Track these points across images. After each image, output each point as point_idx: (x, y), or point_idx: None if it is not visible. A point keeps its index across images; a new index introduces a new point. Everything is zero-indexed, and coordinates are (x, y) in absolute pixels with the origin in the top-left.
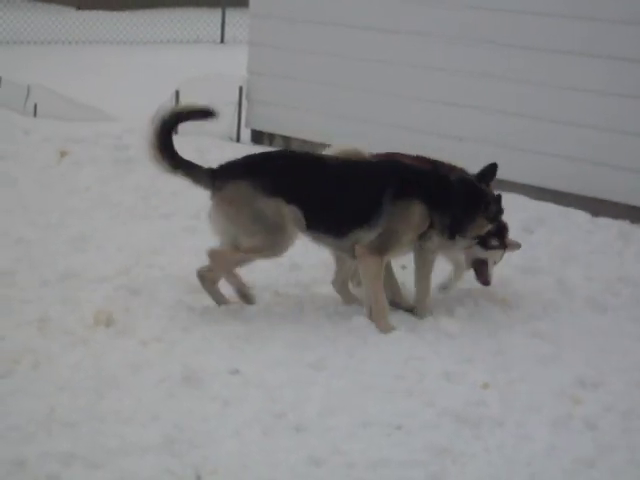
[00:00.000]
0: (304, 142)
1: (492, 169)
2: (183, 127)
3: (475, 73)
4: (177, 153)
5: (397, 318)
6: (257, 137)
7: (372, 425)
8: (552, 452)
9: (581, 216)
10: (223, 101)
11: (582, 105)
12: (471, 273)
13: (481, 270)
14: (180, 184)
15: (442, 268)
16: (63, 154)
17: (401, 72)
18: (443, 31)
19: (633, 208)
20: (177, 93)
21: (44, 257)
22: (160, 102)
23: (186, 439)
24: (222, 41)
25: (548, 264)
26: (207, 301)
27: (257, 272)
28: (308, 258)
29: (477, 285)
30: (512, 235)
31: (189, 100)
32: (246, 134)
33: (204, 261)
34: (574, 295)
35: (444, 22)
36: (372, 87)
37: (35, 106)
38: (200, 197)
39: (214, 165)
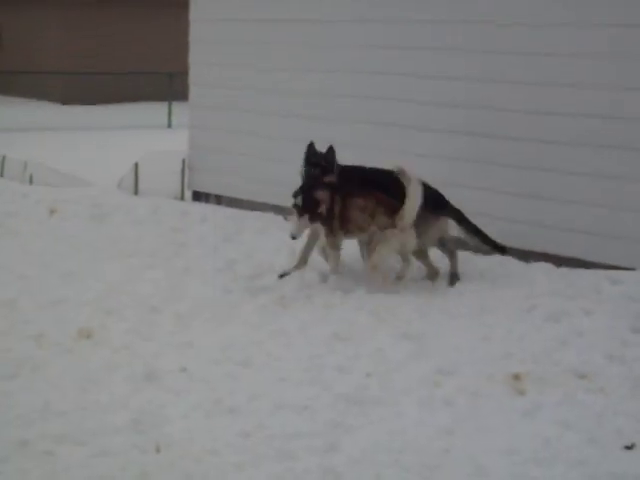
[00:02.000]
0: (231, 199)
1: None
2: (143, 188)
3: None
4: None
5: (298, 327)
6: (196, 196)
7: (286, 407)
8: (420, 424)
9: None
10: (171, 170)
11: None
12: None
13: None
14: (140, 232)
15: None
16: (53, 211)
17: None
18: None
19: None
20: (136, 165)
21: (40, 288)
22: (124, 172)
23: (148, 421)
24: (169, 126)
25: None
26: (162, 319)
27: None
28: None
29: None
30: None
31: (145, 171)
32: (188, 194)
33: (160, 288)
34: (433, 305)
35: (348, 109)
36: (277, 156)
37: (31, 176)
38: (155, 241)
39: (166, 220)
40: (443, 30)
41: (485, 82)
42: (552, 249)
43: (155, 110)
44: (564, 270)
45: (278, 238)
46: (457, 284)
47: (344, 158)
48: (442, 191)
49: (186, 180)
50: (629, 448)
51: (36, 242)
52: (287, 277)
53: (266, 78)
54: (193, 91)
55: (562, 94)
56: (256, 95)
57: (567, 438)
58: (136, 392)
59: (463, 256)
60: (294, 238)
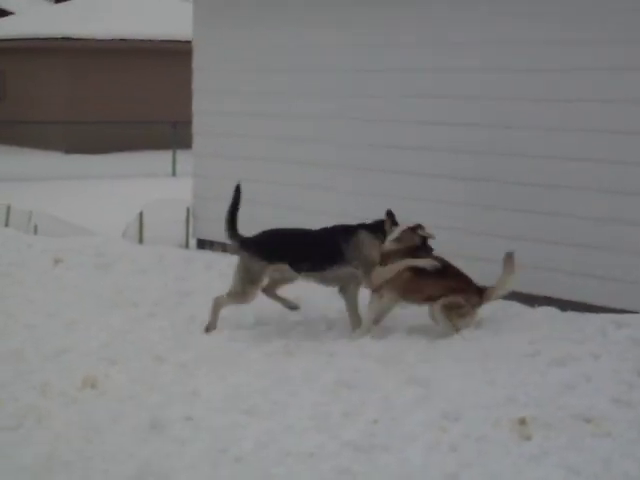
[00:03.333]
0: None
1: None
2: (147, 237)
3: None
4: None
5: (303, 374)
6: (201, 244)
7: (293, 455)
8: (426, 469)
9: None
10: (175, 218)
11: None
12: None
13: None
14: (144, 281)
15: None
16: (57, 261)
17: (302, 192)
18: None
19: None
20: (141, 214)
21: (45, 337)
22: (128, 220)
23: (154, 472)
24: (174, 174)
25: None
26: (166, 368)
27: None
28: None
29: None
30: None
31: (149, 219)
32: (193, 242)
33: (165, 338)
34: (437, 350)
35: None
36: (282, 203)
37: (35, 226)
38: (160, 290)
39: (171, 268)
40: (440, 78)
41: (484, 127)
42: (557, 293)
43: (159, 159)
44: (569, 314)
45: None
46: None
47: (348, 203)
48: (441, 236)
49: (191, 228)
50: None
51: (41, 292)
52: (291, 325)
53: (267, 126)
54: (196, 140)
55: (566, 138)
56: (259, 143)
57: None
58: (141, 442)
59: None
60: None
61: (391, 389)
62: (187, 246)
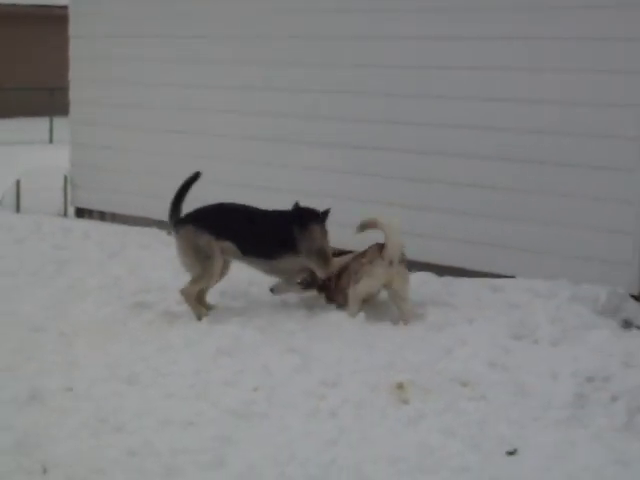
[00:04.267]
0: (115, 215)
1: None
2: (25, 205)
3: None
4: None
5: (184, 343)
6: (80, 212)
7: (173, 423)
8: (306, 436)
9: None
10: (53, 187)
11: None
12: None
13: None
14: (22, 250)
15: None
16: None
17: (178, 160)
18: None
19: None
20: (18, 182)
21: None
22: (4, 189)
23: (33, 442)
24: (51, 142)
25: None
26: (46, 338)
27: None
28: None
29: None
30: None
31: (26, 187)
32: (71, 210)
33: (43, 307)
34: (315, 317)
35: (220, 122)
36: (158, 171)
37: None
38: (38, 259)
39: (49, 237)
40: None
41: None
42: (433, 259)
43: (37, 126)
44: (445, 279)
45: (162, 253)
46: None
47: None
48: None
49: (69, 196)
50: (511, 454)
51: None
52: (172, 292)
53: (143, 94)
54: (74, 107)
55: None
56: (135, 111)
57: (450, 445)
58: (20, 413)
59: None
60: None
61: (271, 357)
62: (65, 215)
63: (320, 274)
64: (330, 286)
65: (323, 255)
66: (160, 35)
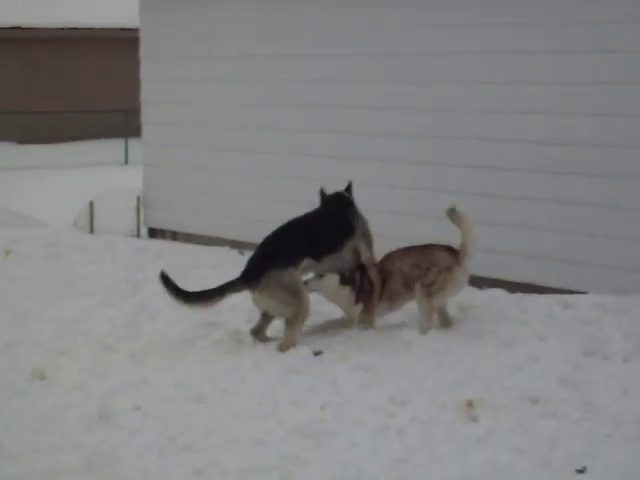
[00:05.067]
0: (187, 235)
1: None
2: (98, 226)
3: None
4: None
5: (253, 362)
6: (152, 233)
7: (240, 442)
8: (374, 454)
9: None
10: (126, 207)
11: None
12: None
13: None
14: (95, 271)
15: None
16: (7, 252)
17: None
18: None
19: None
20: (91, 203)
21: None
22: (79, 210)
23: (101, 461)
24: (126, 163)
25: None
26: (116, 357)
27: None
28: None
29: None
30: None
31: (100, 209)
32: (144, 231)
33: (115, 327)
34: (384, 333)
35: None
36: (229, 191)
37: None
38: (111, 279)
39: (122, 258)
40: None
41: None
42: (504, 275)
43: (112, 147)
44: (516, 296)
45: (234, 272)
46: (406, 316)
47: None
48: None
49: (142, 217)
50: (581, 472)
51: None
52: (241, 313)
53: (214, 114)
54: (146, 129)
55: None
56: (206, 131)
57: (520, 464)
58: (89, 432)
59: None
60: None
61: (339, 375)
62: (138, 235)
63: (365, 255)
64: (371, 290)
65: (369, 234)
66: (229, 56)
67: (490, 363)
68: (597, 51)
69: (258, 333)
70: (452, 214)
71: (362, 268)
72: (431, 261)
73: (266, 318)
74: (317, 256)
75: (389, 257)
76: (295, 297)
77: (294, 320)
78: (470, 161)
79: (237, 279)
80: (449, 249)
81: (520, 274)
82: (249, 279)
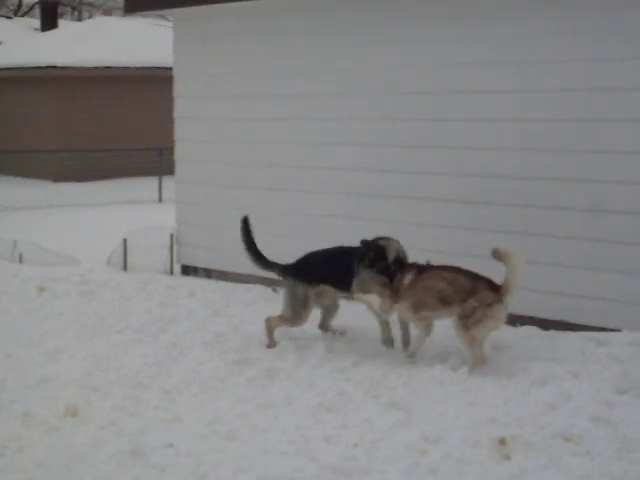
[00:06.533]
0: (220, 272)
1: None
2: (132, 264)
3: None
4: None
5: (285, 399)
6: (185, 270)
7: (272, 479)
8: None
9: None
10: (159, 245)
11: None
12: None
13: None
14: (128, 308)
15: None
16: (42, 289)
17: (283, 218)
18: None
19: None
20: (125, 241)
21: (27, 367)
22: (112, 248)
23: None
24: (160, 200)
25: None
26: (148, 394)
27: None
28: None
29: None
30: None
31: (134, 246)
32: (177, 268)
33: (147, 364)
34: (417, 370)
35: (328, 180)
36: (262, 229)
37: (20, 255)
38: (143, 316)
39: (154, 295)
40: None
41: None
42: (538, 312)
43: (147, 185)
44: (550, 333)
45: (267, 310)
46: (441, 351)
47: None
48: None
49: (175, 254)
50: None
51: (24, 321)
52: (275, 349)
53: (245, 152)
54: (178, 166)
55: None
56: (238, 169)
57: None
58: (122, 469)
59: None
60: None
61: (372, 412)
62: (171, 272)
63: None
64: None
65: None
66: (262, 94)
67: (523, 401)
68: None
69: (323, 327)
70: (497, 252)
71: (401, 263)
72: (472, 291)
73: (326, 312)
74: (339, 287)
75: (435, 266)
76: (291, 309)
77: (283, 319)
78: (506, 200)
79: (281, 266)
80: (492, 284)
81: (553, 311)
82: (281, 268)
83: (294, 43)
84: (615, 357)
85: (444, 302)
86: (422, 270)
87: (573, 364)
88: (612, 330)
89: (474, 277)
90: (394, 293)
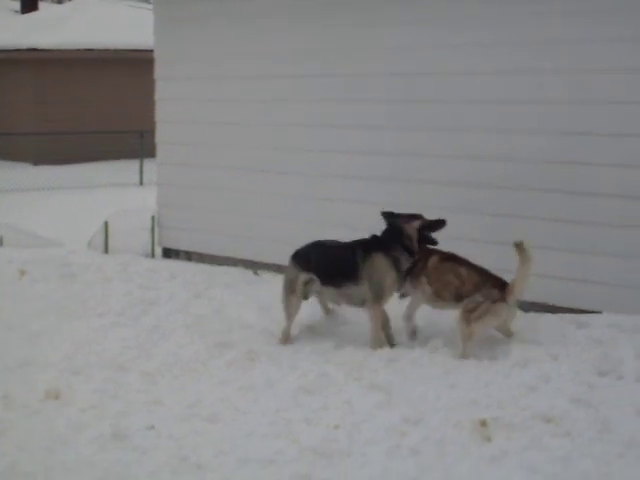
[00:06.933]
0: (201, 255)
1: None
2: (113, 246)
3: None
4: None
5: (266, 382)
6: (166, 253)
7: (253, 461)
8: (387, 474)
9: None
10: (140, 227)
11: None
12: None
13: None
14: (109, 290)
15: None
16: (22, 272)
17: (264, 199)
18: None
19: None
20: (106, 223)
21: (7, 349)
22: (93, 230)
23: None
24: (141, 183)
25: None
26: (129, 377)
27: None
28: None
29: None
30: None
31: (115, 229)
32: (158, 251)
33: (128, 347)
34: (398, 354)
35: (305, 161)
36: (243, 210)
37: (0, 238)
38: (124, 299)
39: (135, 278)
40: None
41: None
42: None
43: (128, 168)
44: (530, 315)
45: (247, 293)
46: (420, 334)
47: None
48: None
49: (156, 237)
50: None
51: (5, 304)
52: (254, 332)
53: (227, 134)
54: (160, 149)
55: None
56: (219, 151)
57: None
58: (103, 451)
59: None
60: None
61: (353, 394)
62: (153, 255)
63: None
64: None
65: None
66: (243, 76)
67: (504, 383)
68: None
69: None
70: (519, 247)
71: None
72: (479, 285)
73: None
74: (323, 281)
75: (451, 254)
76: (283, 292)
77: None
78: (491, 182)
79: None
80: (499, 281)
81: (533, 294)
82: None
83: (277, 24)
84: (595, 339)
85: (458, 299)
86: (444, 258)
87: (553, 346)
88: (592, 312)
89: (484, 273)
90: (415, 277)
